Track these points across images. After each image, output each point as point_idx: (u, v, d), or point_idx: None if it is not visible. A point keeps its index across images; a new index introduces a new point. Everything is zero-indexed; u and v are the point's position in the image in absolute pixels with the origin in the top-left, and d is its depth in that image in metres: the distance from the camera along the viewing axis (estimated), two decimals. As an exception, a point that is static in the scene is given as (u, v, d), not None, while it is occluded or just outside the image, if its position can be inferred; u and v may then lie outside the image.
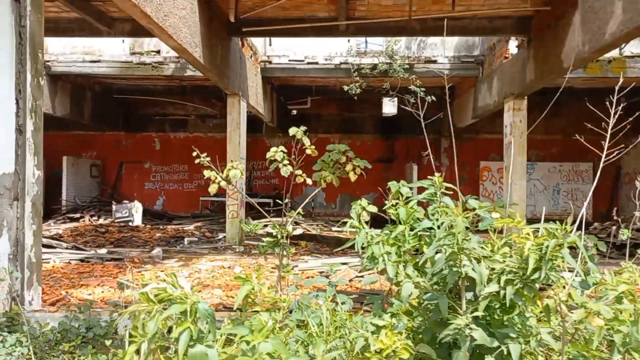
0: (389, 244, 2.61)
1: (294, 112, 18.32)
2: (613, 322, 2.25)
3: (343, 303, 3.27)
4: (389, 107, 18.22)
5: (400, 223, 2.89)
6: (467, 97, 15.51)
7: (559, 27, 9.01)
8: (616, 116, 3.07)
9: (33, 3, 4.19)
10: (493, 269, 2.41)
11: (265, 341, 2.18)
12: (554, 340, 2.41)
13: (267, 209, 17.92)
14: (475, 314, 2.23)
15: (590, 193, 3.54)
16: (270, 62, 14.20)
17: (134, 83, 16.42)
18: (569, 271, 2.42)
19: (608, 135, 2.89)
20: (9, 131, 3.96)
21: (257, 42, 13.67)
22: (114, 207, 15.22)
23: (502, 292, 2.30)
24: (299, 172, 3.50)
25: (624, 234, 4.35)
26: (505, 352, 2.19)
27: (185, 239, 12.16)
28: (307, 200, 5.38)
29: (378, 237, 2.63)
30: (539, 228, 2.54)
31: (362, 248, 2.94)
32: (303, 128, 3.53)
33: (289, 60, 14.14)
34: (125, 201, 15.92)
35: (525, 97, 11.36)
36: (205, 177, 4.56)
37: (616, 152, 3.02)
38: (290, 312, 3.21)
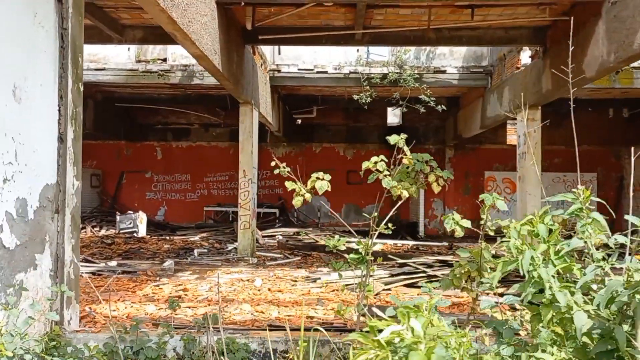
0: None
1: (299, 121, 18.19)
2: None
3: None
4: (394, 117, 18.17)
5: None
6: (474, 107, 15.44)
7: (580, 37, 8.94)
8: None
9: (75, 4, 4.01)
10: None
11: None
12: None
13: (269, 218, 17.72)
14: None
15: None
16: (279, 71, 14.06)
17: (137, 91, 16.20)
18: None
19: None
20: (52, 140, 3.76)
21: (266, 50, 13.53)
22: (117, 217, 14.93)
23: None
24: (395, 183, 3.23)
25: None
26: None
27: (195, 251, 11.92)
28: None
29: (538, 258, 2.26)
30: None
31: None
32: (404, 136, 3.32)
33: (299, 69, 14.01)
34: (129, 212, 15.63)
35: (540, 107, 11.29)
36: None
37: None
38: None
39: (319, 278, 8.41)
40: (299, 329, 4.86)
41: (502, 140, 18.29)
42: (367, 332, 2.08)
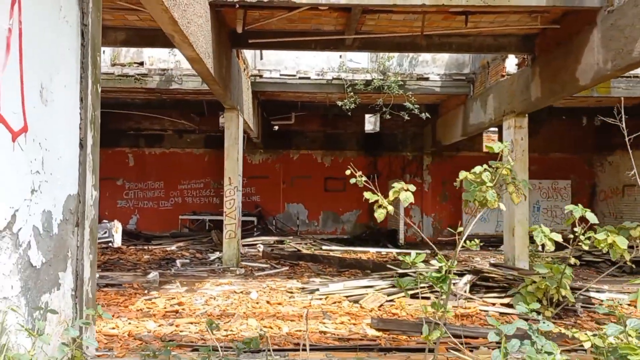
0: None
1: (276, 127, 17.91)
2: None
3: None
4: (372, 124, 18.11)
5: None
6: (454, 114, 15.51)
7: (572, 45, 9.02)
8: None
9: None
10: None
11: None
12: None
13: (248, 227, 17.34)
14: None
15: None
16: (260, 76, 13.78)
17: (110, 96, 15.60)
18: None
19: None
20: (74, 146, 3.42)
21: (247, 55, 13.23)
22: (90, 227, 14.26)
23: None
24: (496, 197, 2.97)
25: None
26: None
27: (177, 261, 11.47)
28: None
29: None
30: None
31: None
32: (506, 143, 3.11)
33: (281, 75, 13.76)
34: (104, 220, 14.99)
35: (527, 115, 11.37)
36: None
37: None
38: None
39: (317, 289, 8.15)
40: (346, 349, 4.61)
41: (478, 148, 18.40)
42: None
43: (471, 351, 4.27)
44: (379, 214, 3.16)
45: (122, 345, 4.82)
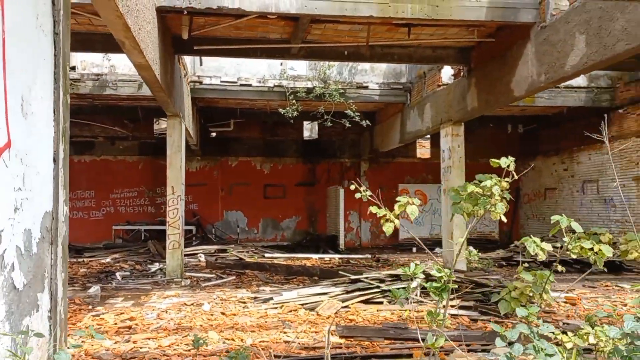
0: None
1: (213, 134, 17.66)
2: None
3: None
4: (310, 131, 18.26)
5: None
6: (392, 122, 15.95)
7: (507, 58, 9.56)
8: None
9: (65, 5, 3.54)
10: None
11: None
12: None
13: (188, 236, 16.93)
14: None
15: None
16: (200, 83, 13.56)
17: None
18: None
19: None
20: (49, 160, 3.27)
21: (187, 60, 12.98)
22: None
23: None
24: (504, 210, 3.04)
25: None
26: None
27: (117, 274, 11.04)
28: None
29: None
30: None
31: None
32: (512, 159, 3.21)
33: (221, 82, 13.61)
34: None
35: (463, 124, 11.89)
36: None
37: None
38: None
39: (271, 298, 8.12)
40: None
41: (412, 154, 19.03)
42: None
43: (447, 354, 4.44)
44: (387, 228, 3.20)
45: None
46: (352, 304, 7.68)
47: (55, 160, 3.37)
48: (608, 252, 2.74)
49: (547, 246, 2.84)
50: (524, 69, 9.02)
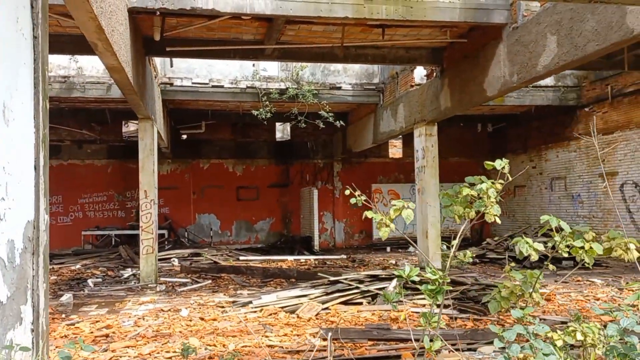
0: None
1: (184, 136, 17.43)
2: None
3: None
4: (282, 132, 18.20)
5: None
6: (364, 122, 16.01)
7: (480, 58, 9.70)
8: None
9: (43, 8, 3.43)
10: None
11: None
12: None
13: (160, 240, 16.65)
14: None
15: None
16: (171, 84, 13.35)
17: None
18: None
19: None
20: (30, 168, 3.15)
21: (157, 62, 12.76)
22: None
23: None
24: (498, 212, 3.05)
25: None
26: None
27: (89, 281, 10.78)
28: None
29: None
30: None
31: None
32: (506, 161, 3.21)
33: (193, 83, 13.44)
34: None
35: (436, 123, 12.01)
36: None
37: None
38: None
39: (250, 302, 8.03)
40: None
41: (385, 154, 19.16)
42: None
43: (436, 354, 4.45)
44: (383, 233, 3.19)
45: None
46: (332, 305, 7.67)
47: (36, 168, 3.25)
48: (599, 249, 2.79)
49: (539, 246, 2.88)
50: (497, 69, 9.16)
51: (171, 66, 13.48)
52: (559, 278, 10.27)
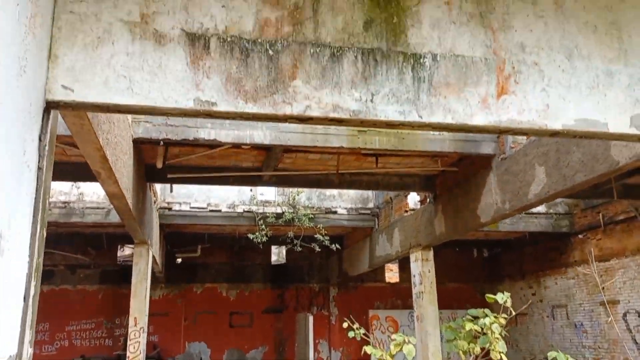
0: None
1: (179, 260, 17.29)
2: None
3: None
4: (278, 255, 18.12)
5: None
6: (360, 246, 16.02)
7: (472, 186, 9.96)
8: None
9: (51, 140, 3.58)
10: None
11: None
12: None
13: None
14: None
15: None
16: (170, 209, 13.53)
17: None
18: None
19: None
20: (19, 299, 3.09)
21: (157, 187, 13.04)
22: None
23: None
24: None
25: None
26: None
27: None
28: None
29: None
30: None
31: None
32: (507, 294, 3.18)
33: (191, 208, 13.62)
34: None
35: (432, 248, 12.03)
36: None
37: None
38: None
39: None
40: None
41: (381, 279, 18.95)
42: None
43: None
44: None
45: None
46: None
47: (25, 299, 3.19)
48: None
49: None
50: (489, 197, 9.37)
51: (171, 191, 13.75)
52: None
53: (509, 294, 3.28)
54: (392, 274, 19.47)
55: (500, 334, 3.01)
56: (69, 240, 15.82)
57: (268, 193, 15.07)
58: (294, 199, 14.26)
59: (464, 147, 9.34)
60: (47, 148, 3.50)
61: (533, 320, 17.02)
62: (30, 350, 3.36)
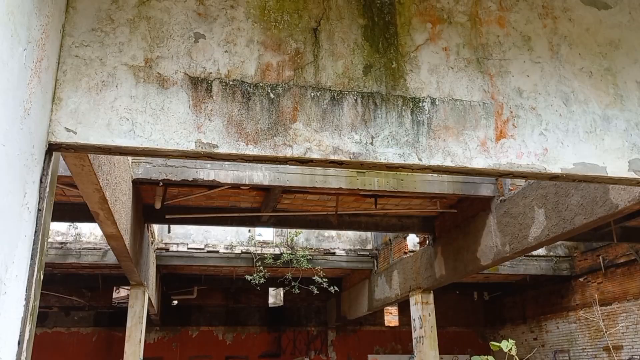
0: None
1: (175, 302, 17.03)
2: None
3: None
4: (275, 298, 17.89)
5: None
6: (359, 288, 15.84)
7: (471, 227, 9.94)
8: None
9: (51, 182, 3.58)
10: None
11: None
12: None
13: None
14: None
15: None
16: (167, 250, 13.43)
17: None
18: None
19: None
20: (13, 344, 3.03)
21: (155, 227, 12.98)
22: None
23: None
24: None
25: None
26: None
27: None
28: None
29: None
30: None
31: None
32: (512, 342, 3.12)
33: (188, 249, 13.53)
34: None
35: (432, 291, 11.89)
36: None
37: None
38: None
39: None
40: None
41: (380, 322, 18.67)
42: None
43: None
44: None
45: None
46: None
47: (20, 343, 3.12)
48: None
49: None
50: (489, 239, 9.33)
51: (169, 232, 13.70)
52: None
53: (514, 341, 3.21)
54: (391, 317, 19.19)
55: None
56: (64, 281, 15.61)
57: (266, 234, 15.01)
58: (292, 239, 14.19)
59: (463, 189, 9.37)
60: (47, 190, 3.49)
61: (535, 365, 16.68)
62: (22, 399, 3.27)
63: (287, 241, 14.22)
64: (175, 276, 15.97)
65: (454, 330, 19.44)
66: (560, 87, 3.99)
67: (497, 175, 3.80)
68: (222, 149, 3.44)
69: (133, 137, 3.34)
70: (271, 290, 18.04)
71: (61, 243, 12.77)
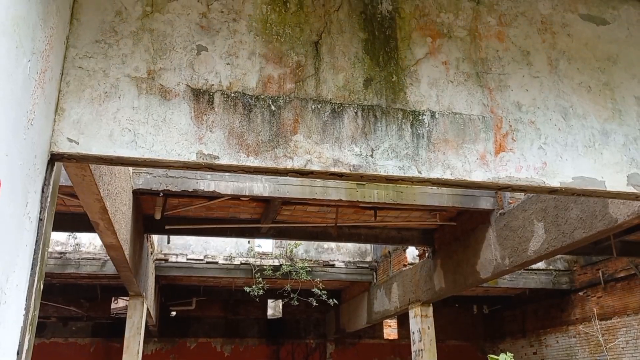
0: None
1: (173, 313, 16.98)
2: None
3: None
4: (274, 309, 17.83)
5: None
6: (358, 301, 15.79)
7: (471, 240, 9.94)
8: None
9: (53, 193, 3.60)
10: None
11: None
12: None
13: None
14: None
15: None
16: (166, 260, 13.41)
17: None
18: None
19: None
20: (12, 354, 3.03)
21: (154, 238, 12.98)
22: None
23: None
24: None
25: None
26: None
27: None
28: None
29: None
30: None
31: None
32: (510, 355, 3.12)
33: (188, 259, 13.51)
34: None
35: (431, 304, 11.86)
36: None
37: None
38: None
39: None
40: None
41: (379, 335, 18.58)
42: None
43: None
44: None
45: None
46: None
47: (19, 353, 3.12)
48: None
49: None
50: (488, 252, 9.33)
51: (168, 242, 13.69)
52: None
53: (512, 354, 3.21)
54: (390, 330, 19.11)
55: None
56: (62, 291, 15.57)
57: (266, 245, 15.00)
58: (291, 251, 14.18)
59: (462, 202, 9.38)
60: (49, 199, 3.51)
61: (536, 380, 16.58)
62: (20, 409, 3.26)
63: (286, 253, 14.21)
64: (174, 287, 15.93)
65: (453, 344, 19.34)
66: (559, 101, 4.02)
67: (496, 188, 3.82)
68: (223, 160, 3.46)
69: (135, 147, 3.36)
70: (270, 302, 17.99)
71: (60, 253, 12.75)
